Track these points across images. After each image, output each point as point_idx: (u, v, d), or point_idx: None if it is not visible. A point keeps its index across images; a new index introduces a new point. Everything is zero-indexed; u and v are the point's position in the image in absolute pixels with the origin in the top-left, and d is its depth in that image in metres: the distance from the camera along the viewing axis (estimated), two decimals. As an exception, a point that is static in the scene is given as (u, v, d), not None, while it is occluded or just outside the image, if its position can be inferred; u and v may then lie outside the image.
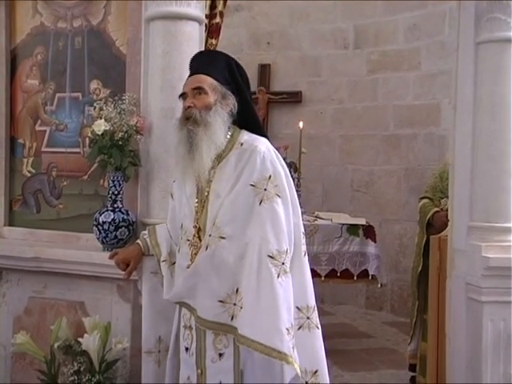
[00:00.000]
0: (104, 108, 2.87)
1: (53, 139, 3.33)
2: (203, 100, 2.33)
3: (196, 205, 2.38)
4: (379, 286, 5.19)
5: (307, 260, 2.38)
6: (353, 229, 5.01)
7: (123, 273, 2.69)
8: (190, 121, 2.32)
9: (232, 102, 2.37)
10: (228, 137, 2.36)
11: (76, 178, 3.26)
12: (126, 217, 2.89)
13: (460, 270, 3.18)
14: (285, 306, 2.14)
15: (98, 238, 2.92)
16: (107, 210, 2.89)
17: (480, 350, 3.02)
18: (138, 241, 2.66)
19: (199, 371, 2.31)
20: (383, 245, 6.00)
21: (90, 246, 3.06)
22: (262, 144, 2.34)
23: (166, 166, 2.88)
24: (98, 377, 2.74)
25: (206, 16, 3.53)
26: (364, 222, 5.13)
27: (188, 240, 2.38)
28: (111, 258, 2.71)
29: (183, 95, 2.40)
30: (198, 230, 2.35)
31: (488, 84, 3.09)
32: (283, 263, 2.19)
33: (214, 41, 3.85)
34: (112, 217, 2.86)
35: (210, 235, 2.25)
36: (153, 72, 2.93)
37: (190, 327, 2.36)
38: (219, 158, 2.34)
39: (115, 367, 2.82)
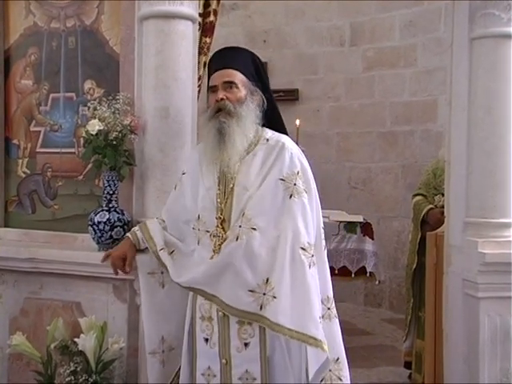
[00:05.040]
0: (98, 108, 2.85)
1: (47, 140, 3.33)
2: (235, 94, 2.38)
3: (218, 197, 2.41)
4: (377, 283, 5.19)
5: (326, 253, 2.48)
6: (350, 226, 5.00)
7: (122, 271, 2.66)
8: (223, 112, 2.35)
9: (259, 98, 2.42)
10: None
11: (71, 179, 3.25)
12: (121, 216, 2.88)
13: (456, 266, 3.18)
14: (316, 296, 2.24)
15: (93, 238, 2.92)
16: (102, 210, 2.89)
17: (477, 346, 3.02)
18: (128, 234, 2.66)
19: (224, 361, 2.34)
20: (381, 242, 6.00)
21: (86, 246, 3.05)
22: (288, 141, 2.43)
23: (161, 165, 2.88)
24: (94, 377, 2.74)
25: (200, 14, 3.53)
26: (361, 219, 5.11)
27: (207, 231, 2.40)
28: (105, 260, 2.70)
29: (213, 88, 2.42)
30: (222, 221, 2.38)
31: (483, 80, 3.08)
32: (312, 255, 2.28)
33: (208, 39, 3.84)
34: (107, 217, 2.86)
35: (240, 226, 2.29)
36: (146, 71, 2.93)
37: (210, 318, 2.38)
38: (245, 152, 2.39)
39: (112, 367, 2.82)
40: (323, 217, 5.12)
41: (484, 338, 3.01)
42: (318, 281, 2.30)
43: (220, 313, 2.33)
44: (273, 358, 2.31)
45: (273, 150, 2.38)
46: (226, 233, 2.35)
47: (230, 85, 2.38)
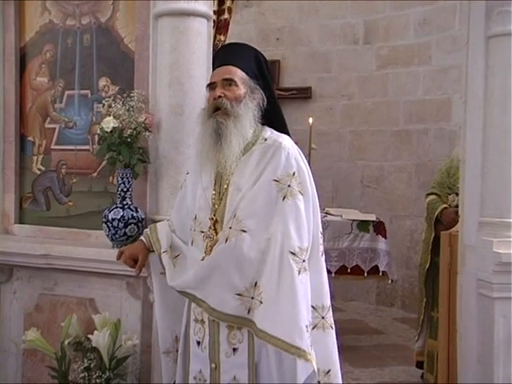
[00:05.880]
0: (113, 105, 2.87)
1: (62, 137, 3.34)
2: (234, 92, 2.29)
3: (213, 197, 2.34)
4: (390, 282, 5.17)
5: (324, 259, 2.36)
6: (363, 225, 5.00)
7: (133, 270, 2.66)
8: (220, 112, 2.28)
9: (260, 96, 2.33)
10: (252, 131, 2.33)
11: (85, 176, 3.26)
12: (135, 214, 2.89)
13: (471, 265, 3.16)
14: (304, 304, 2.13)
15: (107, 235, 2.93)
16: (116, 207, 2.90)
17: (492, 346, 3.00)
18: (142, 237, 2.64)
19: (213, 365, 2.28)
20: (394, 241, 5.98)
21: (100, 243, 3.06)
22: (287, 141, 2.32)
23: (175, 163, 2.89)
24: (108, 373, 2.75)
25: (215, 12, 3.54)
26: (374, 218, 5.11)
27: (202, 232, 2.34)
28: (119, 258, 2.67)
29: (211, 85, 2.35)
30: (215, 223, 2.32)
31: (499, 78, 3.07)
32: (304, 260, 2.17)
33: (222, 37, 3.85)
34: (121, 214, 2.87)
35: (230, 227, 2.22)
36: (161, 69, 2.93)
37: (202, 321, 2.33)
38: (242, 151, 2.30)
39: (125, 364, 2.83)
40: (335, 215, 5.17)
41: (499, 338, 2.99)
42: (312, 287, 2.20)
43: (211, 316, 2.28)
44: (258, 365, 2.24)
45: (269, 149, 2.28)
46: (217, 234, 2.28)
47: (229, 82, 2.30)
